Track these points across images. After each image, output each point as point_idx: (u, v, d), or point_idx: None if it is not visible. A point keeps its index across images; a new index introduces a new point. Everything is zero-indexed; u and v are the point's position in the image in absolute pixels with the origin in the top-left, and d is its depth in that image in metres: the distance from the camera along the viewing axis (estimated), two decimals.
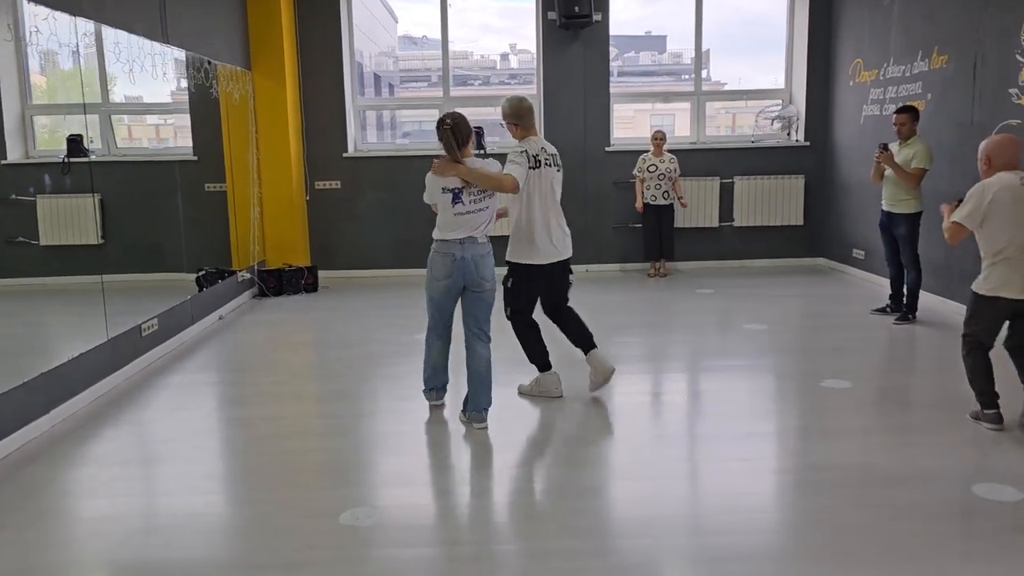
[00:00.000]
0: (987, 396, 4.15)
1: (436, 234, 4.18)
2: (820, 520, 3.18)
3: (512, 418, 4.39)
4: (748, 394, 4.84)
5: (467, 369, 4.29)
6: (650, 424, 4.46)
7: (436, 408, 4.54)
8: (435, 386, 4.53)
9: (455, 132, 4.02)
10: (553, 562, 2.92)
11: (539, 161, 4.36)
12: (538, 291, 4.61)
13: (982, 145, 4.27)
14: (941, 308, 6.61)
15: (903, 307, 6.39)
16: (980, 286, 4.19)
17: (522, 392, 4.74)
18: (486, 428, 4.21)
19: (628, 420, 4.48)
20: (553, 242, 4.48)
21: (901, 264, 6.40)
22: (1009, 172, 4.16)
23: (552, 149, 4.51)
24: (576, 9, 8.11)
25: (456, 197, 4.07)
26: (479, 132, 8.09)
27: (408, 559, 2.98)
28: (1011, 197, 4.05)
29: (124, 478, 3.79)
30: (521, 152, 4.28)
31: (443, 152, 4.07)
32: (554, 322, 4.74)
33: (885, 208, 6.39)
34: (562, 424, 4.36)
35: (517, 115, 4.39)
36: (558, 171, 4.49)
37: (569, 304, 4.72)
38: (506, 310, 4.58)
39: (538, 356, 4.68)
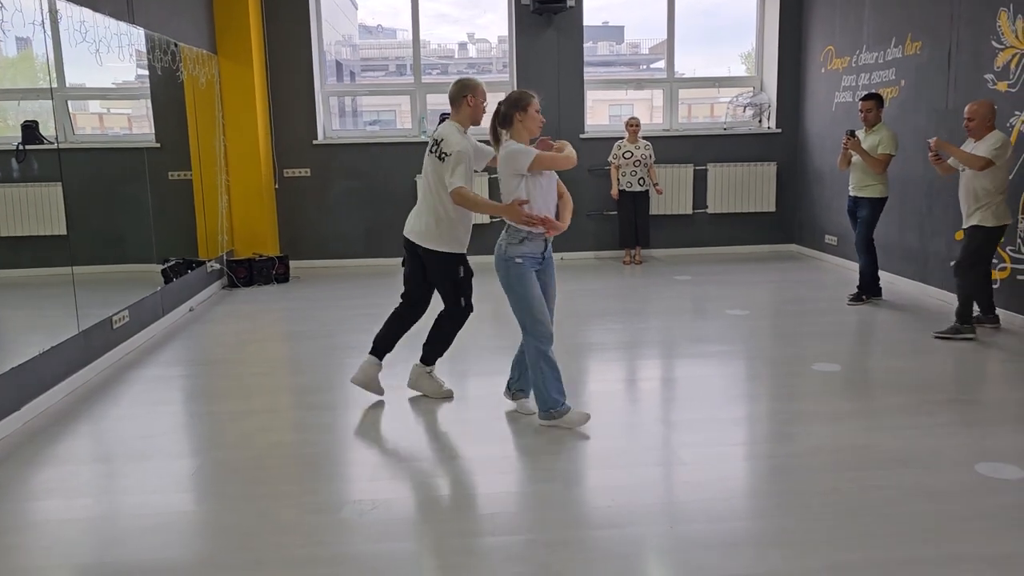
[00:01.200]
0: (990, 304, 5.53)
1: None
2: (826, 503, 3.16)
3: (509, 405, 4.31)
4: (740, 379, 4.82)
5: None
6: (651, 410, 4.41)
7: (410, 398, 4.48)
8: None
9: None
10: (567, 552, 2.85)
11: None
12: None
13: (978, 108, 5.20)
14: (916, 292, 6.71)
15: (873, 290, 6.47)
16: (990, 220, 5.19)
17: (355, 380, 4.48)
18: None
19: (630, 407, 4.43)
20: None
21: (874, 248, 6.46)
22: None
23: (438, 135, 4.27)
24: None
25: None
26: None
27: (413, 552, 2.88)
28: (1012, 150, 5.20)
29: (107, 476, 3.62)
30: None
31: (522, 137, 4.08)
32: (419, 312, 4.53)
33: (852, 193, 6.49)
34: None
35: None
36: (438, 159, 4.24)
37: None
38: (463, 302, 4.37)
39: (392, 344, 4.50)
